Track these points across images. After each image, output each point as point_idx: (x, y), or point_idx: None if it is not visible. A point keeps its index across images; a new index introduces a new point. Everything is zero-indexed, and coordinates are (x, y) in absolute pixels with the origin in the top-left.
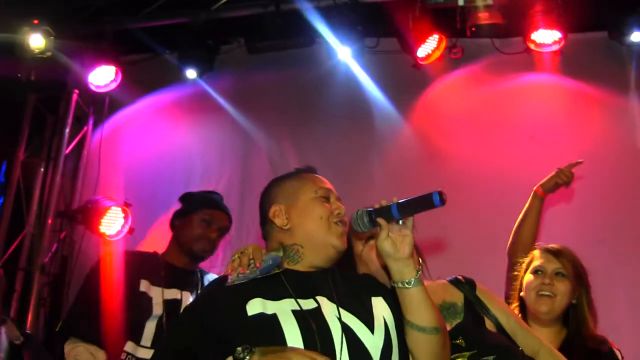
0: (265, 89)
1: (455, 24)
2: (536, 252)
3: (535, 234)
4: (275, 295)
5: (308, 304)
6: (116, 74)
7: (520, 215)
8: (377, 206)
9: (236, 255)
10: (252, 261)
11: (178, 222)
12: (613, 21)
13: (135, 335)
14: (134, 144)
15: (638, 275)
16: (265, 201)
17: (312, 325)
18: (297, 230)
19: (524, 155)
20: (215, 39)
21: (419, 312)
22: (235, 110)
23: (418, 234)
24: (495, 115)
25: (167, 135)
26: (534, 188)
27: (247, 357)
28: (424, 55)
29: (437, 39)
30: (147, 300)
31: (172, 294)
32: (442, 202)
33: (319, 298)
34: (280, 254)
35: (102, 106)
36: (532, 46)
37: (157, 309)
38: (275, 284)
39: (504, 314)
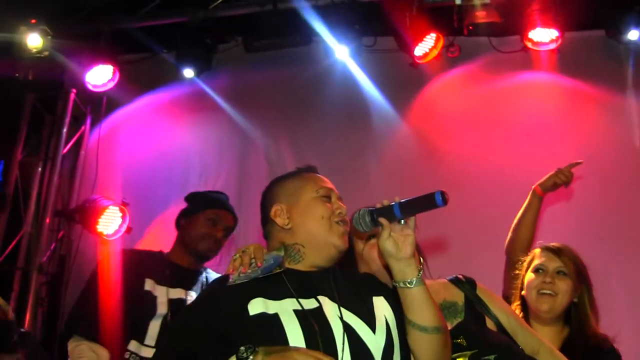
0: (263, 88)
1: (452, 23)
2: (537, 251)
3: (533, 232)
4: (276, 294)
5: (310, 304)
6: (114, 73)
7: (519, 214)
8: (378, 206)
9: (237, 255)
10: (253, 260)
11: (184, 221)
12: (610, 19)
13: (139, 334)
14: (131, 144)
15: (637, 273)
16: (267, 200)
17: (314, 325)
18: (299, 230)
19: (521, 153)
20: (212, 38)
21: (421, 312)
22: (232, 109)
23: (417, 234)
24: (492, 114)
25: (165, 135)
26: (533, 187)
27: (251, 357)
28: (421, 54)
29: (434, 38)
30: (152, 299)
31: (177, 293)
32: (445, 201)
33: (320, 298)
34: (282, 253)
35: (100, 105)
36: (529, 45)
37: (162, 308)
38: (277, 283)
39: (504, 313)
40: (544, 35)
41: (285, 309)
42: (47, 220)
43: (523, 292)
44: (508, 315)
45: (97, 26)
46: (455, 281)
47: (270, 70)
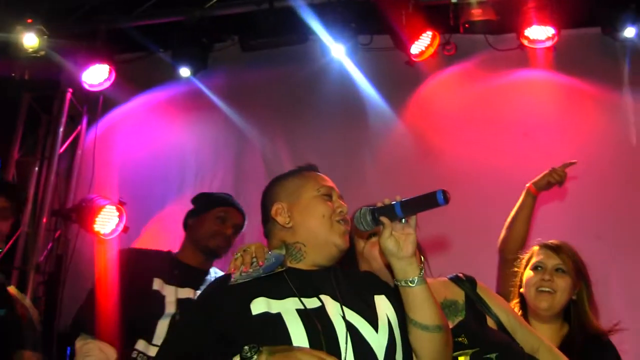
0: (259, 87)
1: (448, 21)
2: (536, 248)
3: (527, 231)
4: (278, 294)
5: (312, 303)
6: (110, 72)
7: (513, 212)
8: (379, 204)
9: (239, 254)
10: (254, 259)
11: (192, 221)
12: (606, 17)
13: (147, 334)
14: (128, 143)
15: (635, 270)
16: (267, 199)
17: (317, 325)
18: (300, 229)
19: (517, 150)
20: (208, 37)
21: (422, 311)
22: (229, 108)
23: (417, 232)
24: (488, 112)
25: (161, 134)
26: (527, 185)
27: (255, 357)
28: (417, 52)
29: (430, 36)
30: (160, 298)
31: (186, 293)
32: (446, 200)
33: (322, 297)
34: (283, 252)
35: (96, 105)
36: (525, 42)
37: (170, 308)
38: (279, 282)
39: (504, 312)
40: (540, 33)
41: (288, 309)
42: (44, 220)
43: (522, 290)
44: (508, 313)
45: (93, 25)
46: (456, 280)
47: (267, 69)
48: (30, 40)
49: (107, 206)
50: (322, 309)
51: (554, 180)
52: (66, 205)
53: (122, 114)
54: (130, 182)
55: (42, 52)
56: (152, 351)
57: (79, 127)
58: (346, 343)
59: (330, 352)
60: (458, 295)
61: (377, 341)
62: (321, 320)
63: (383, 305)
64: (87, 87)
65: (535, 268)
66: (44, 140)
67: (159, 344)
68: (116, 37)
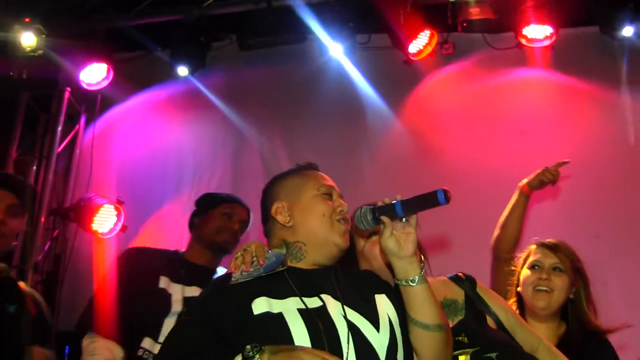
0: (257, 86)
1: (446, 20)
2: (533, 247)
3: (520, 230)
4: (280, 293)
5: (313, 303)
6: (108, 71)
7: (505, 211)
8: (380, 203)
9: (239, 253)
10: (255, 259)
11: (197, 219)
12: (604, 16)
13: (154, 332)
14: (126, 142)
15: (633, 269)
16: (267, 198)
17: (319, 324)
18: (300, 228)
19: (515, 149)
20: (206, 36)
21: (423, 310)
22: (227, 107)
23: (417, 232)
24: (487, 111)
25: (159, 133)
26: (520, 185)
27: (257, 356)
28: (415, 51)
29: (428, 35)
30: (166, 296)
31: (193, 291)
32: (447, 200)
33: (323, 296)
34: (284, 251)
35: (94, 104)
36: (523, 41)
37: (177, 306)
38: (280, 282)
39: (504, 311)
40: (538, 32)
41: (290, 308)
42: (42, 219)
43: (519, 289)
44: (507, 313)
45: (91, 24)
46: (455, 279)
47: (265, 68)
48: (28, 39)
49: (105, 205)
50: (323, 308)
51: (547, 180)
52: (64, 205)
53: (120, 113)
54: (129, 181)
55: (40, 51)
56: (158, 349)
57: (77, 126)
58: (348, 343)
59: (332, 351)
60: (458, 294)
61: (379, 340)
62: (323, 319)
63: (384, 304)
64: (85, 86)
65: (532, 267)
66: (42, 139)
67: None
68: (114, 36)
